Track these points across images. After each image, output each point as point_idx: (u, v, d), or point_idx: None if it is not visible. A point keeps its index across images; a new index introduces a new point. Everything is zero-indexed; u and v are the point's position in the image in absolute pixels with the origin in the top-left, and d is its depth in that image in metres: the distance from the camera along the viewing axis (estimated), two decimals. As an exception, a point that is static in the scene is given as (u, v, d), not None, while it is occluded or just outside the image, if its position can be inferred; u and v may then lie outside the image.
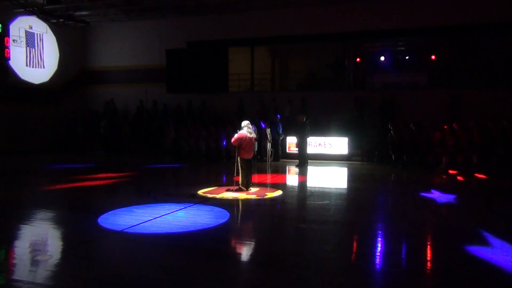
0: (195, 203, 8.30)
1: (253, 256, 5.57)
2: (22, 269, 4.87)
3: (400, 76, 19.37)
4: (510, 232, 6.50)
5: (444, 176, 12.85)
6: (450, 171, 13.44)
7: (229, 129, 15.83)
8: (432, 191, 9.92)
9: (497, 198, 9.67)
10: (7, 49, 17.60)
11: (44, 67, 20.89)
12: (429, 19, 17.25)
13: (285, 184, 12.06)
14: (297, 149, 15.73)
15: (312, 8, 18.65)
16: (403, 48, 21.08)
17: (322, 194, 10.18)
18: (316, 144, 16.84)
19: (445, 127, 14.53)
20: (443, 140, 14.21)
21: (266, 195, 9.40)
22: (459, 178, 12.46)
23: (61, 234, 6.75)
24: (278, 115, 17.19)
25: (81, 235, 6.27)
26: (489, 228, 6.64)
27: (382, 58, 19.77)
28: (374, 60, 20.21)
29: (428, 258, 5.45)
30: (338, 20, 18.35)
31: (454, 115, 15.96)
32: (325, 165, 15.53)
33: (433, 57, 19.31)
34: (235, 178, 9.92)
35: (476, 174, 12.82)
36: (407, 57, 20.64)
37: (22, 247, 5.83)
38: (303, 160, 14.98)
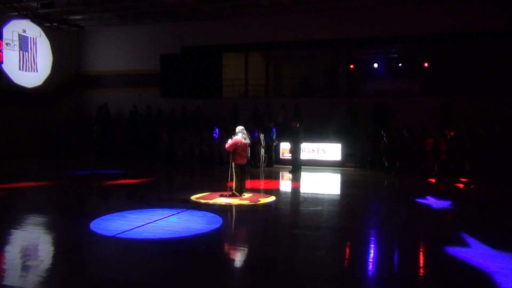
0: (188, 209, 8.27)
1: (245, 262, 5.55)
2: (12, 274, 4.82)
3: (393, 83, 19.51)
4: (502, 240, 6.54)
5: (436, 183, 12.93)
6: (442, 178, 13.52)
7: (223, 134, 15.84)
8: (426, 197, 9.96)
9: (488, 205, 9.73)
10: (0, 53, 17.53)
11: (37, 71, 20.81)
12: (422, 27, 17.42)
13: (278, 190, 12.06)
14: (290, 155, 15.75)
15: (306, 14, 18.76)
16: (396, 55, 21.23)
17: (315, 200, 10.19)
18: (310, 150, 16.88)
19: (438, 134, 14.62)
20: (436, 147, 14.30)
21: (259, 201, 9.39)
22: (450, 184, 12.53)
23: (52, 238, 6.70)
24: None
25: (73, 240, 6.23)
26: (481, 235, 6.68)
27: (376, 65, 19.90)
28: (368, 67, 20.33)
29: (421, 265, 5.47)
30: (332, 27, 18.48)
31: (447, 122, 16.08)
32: (318, 171, 15.56)
33: (426, 64, 19.48)
34: (228, 184, 9.91)
35: (463, 180, 12.95)
36: (400, 64, 20.79)
37: (13, 252, 5.78)
38: (296, 166, 14.99)
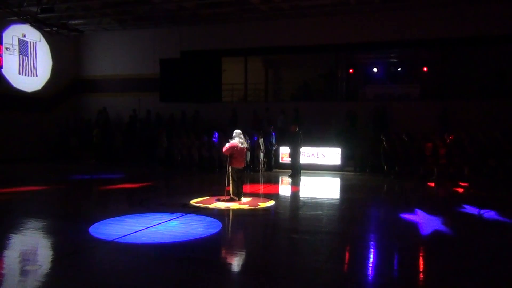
0: (187, 213, 8.26)
1: (244, 267, 5.54)
2: (11, 279, 4.81)
3: (392, 88, 19.54)
4: (501, 243, 6.53)
5: (435, 187, 12.93)
6: (441, 182, 13.52)
7: (223, 138, 15.84)
8: (423, 201, 9.96)
9: (486, 208, 9.72)
10: (0, 57, 17.56)
11: (37, 76, 20.83)
12: (421, 32, 17.46)
13: (277, 194, 12.05)
14: (290, 159, 15.75)
15: (306, 19, 18.81)
16: (395, 60, 21.31)
17: (315, 204, 10.18)
18: (309, 154, 16.88)
19: (437, 138, 14.63)
20: (435, 151, 14.30)
21: (259, 205, 9.38)
22: (449, 188, 12.53)
23: (51, 243, 6.69)
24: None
25: (71, 244, 6.22)
26: (481, 238, 6.68)
27: (375, 70, 19.95)
28: (367, 71, 20.40)
29: (421, 269, 5.46)
30: (331, 31, 18.52)
31: (446, 126, 16.10)
32: (318, 175, 15.55)
33: (425, 69, 19.53)
34: (227, 188, 9.89)
35: (462, 184, 12.95)
36: (399, 69, 20.86)
37: (11, 257, 5.76)
38: (296, 170, 14.99)
